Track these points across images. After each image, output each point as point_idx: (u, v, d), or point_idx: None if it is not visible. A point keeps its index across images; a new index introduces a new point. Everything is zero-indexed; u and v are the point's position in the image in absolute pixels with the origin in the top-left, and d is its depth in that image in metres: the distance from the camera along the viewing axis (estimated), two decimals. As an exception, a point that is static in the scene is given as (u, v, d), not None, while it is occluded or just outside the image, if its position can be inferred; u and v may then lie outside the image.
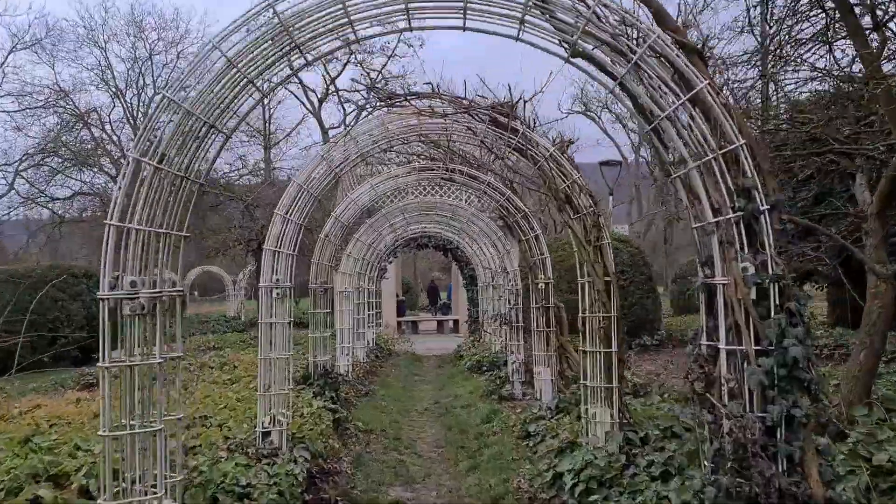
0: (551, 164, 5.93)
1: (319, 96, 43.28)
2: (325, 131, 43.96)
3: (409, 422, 10.33)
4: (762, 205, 3.34)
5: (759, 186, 3.35)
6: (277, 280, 5.85)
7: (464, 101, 6.00)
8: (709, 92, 3.43)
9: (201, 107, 3.97)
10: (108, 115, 42.06)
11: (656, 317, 17.22)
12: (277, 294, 5.82)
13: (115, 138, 41.80)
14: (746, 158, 3.35)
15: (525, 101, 6.02)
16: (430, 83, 5.98)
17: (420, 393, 13.17)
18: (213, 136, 4.14)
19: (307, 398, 7.92)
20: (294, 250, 6.03)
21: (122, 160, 41.60)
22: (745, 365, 3.30)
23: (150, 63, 42.83)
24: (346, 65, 41.81)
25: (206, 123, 4.03)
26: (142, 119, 43.70)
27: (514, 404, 10.63)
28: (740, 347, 3.34)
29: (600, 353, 5.94)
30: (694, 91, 3.45)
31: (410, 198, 12.01)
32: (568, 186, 5.94)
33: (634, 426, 5.98)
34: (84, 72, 44.51)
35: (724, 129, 3.39)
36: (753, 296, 3.30)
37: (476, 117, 6.00)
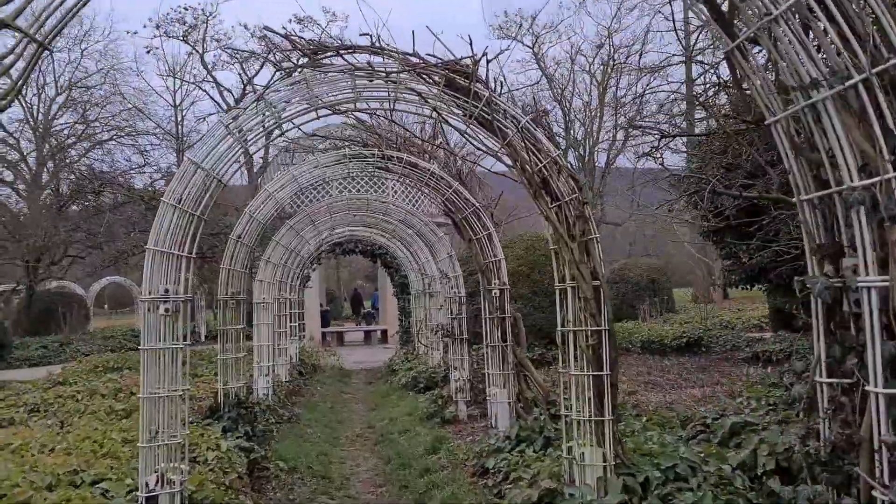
0: (525, 139, 4.66)
1: (236, 97, 41.12)
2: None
3: (341, 453, 8.88)
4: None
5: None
6: (166, 291, 4.36)
7: (412, 59, 4.67)
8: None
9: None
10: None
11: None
12: (167, 310, 4.33)
13: (11, 141, 38.58)
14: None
15: (489, 60, 4.74)
16: (368, 34, 4.64)
17: (351, 415, 11.70)
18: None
19: (215, 436, 6.39)
20: (190, 251, 4.56)
21: (22, 164, 38.49)
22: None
23: (51, 60, 40.02)
24: (263, 63, 39.89)
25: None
26: (43, 121, 40.77)
27: (461, 429, 9.33)
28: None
29: (589, 376, 4.70)
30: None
31: (337, 193, 10.56)
32: (545, 167, 4.68)
33: (630, 467, 4.77)
34: (-27, 67, 41.01)
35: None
36: None
37: (428, 79, 4.67)
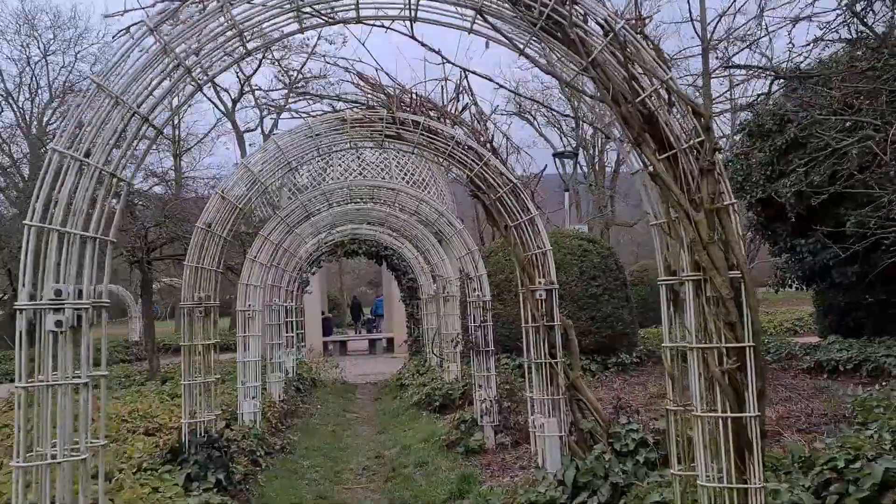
0: (615, 52, 3.02)
1: (234, 97, 39.59)
2: (240, 135, 40.30)
3: (343, 494, 7.21)
4: None
5: None
6: (58, 294, 2.70)
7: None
8: None
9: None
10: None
11: (633, 330, 14.59)
12: (58, 323, 2.68)
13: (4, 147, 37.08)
14: None
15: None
16: None
17: (356, 440, 10.03)
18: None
19: (172, 492, 4.72)
20: (106, 232, 2.91)
21: (12, 169, 36.95)
22: None
23: (44, 64, 38.67)
24: (260, 62, 38.32)
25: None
26: (37, 126, 39.26)
27: (491, 461, 7.66)
28: None
29: (725, 419, 3.03)
30: None
31: (337, 174, 8.92)
32: (653, 94, 3.03)
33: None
34: (-37, 74, 39.59)
35: None
36: None
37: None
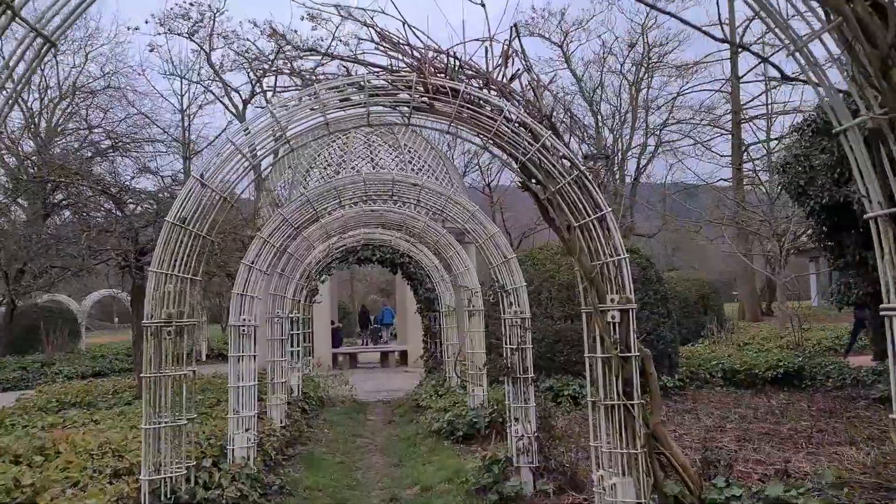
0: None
1: (244, 97, 38.44)
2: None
3: (352, 555, 5.88)
4: None
5: None
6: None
7: None
8: None
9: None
10: (4, 121, 36.40)
11: (675, 349, 13.19)
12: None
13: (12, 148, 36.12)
14: None
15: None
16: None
17: (367, 474, 8.69)
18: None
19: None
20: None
21: (19, 171, 35.97)
22: None
23: (54, 63, 37.83)
24: (272, 62, 37.19)
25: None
26: (45, 126, 38.28)
27: (532, 516, 6.33)
28: None
29: None
30: None
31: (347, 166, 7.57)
32: None
33: None
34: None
35: None
36: None
37: None
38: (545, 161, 4.51)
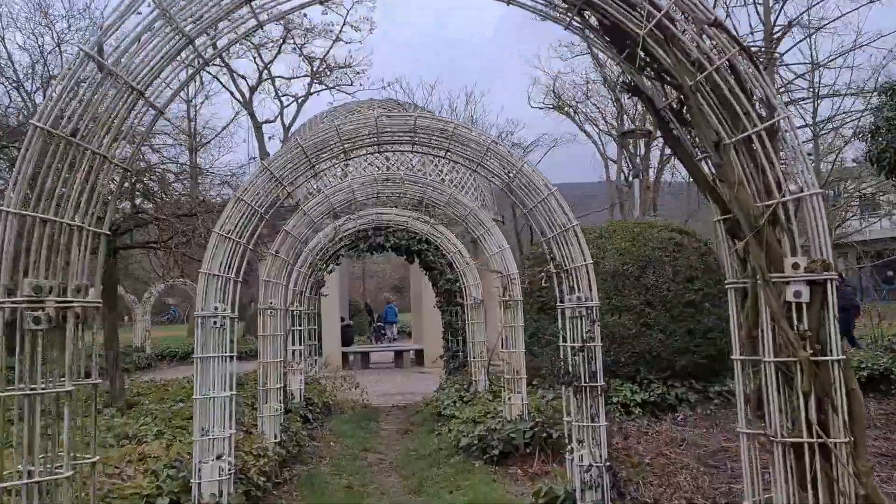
0: None
1: (251, 84, 36.78)
2: (258, 126, 37.44)
3: None
4: None
5: None
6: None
7: None
8: None
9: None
10: (4, 111, 35.00)
11: (739, 348, 11.29)
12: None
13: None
14: None
15: None
16: None
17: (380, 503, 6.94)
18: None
19: None
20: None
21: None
22: None
23: (58, 53, 36.33)
24: (280, 47, 35.55)
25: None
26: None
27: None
28: None
29: None
30: None
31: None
32: None
33: None
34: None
35: None
36: None
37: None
38: (675, 35, 2.69)
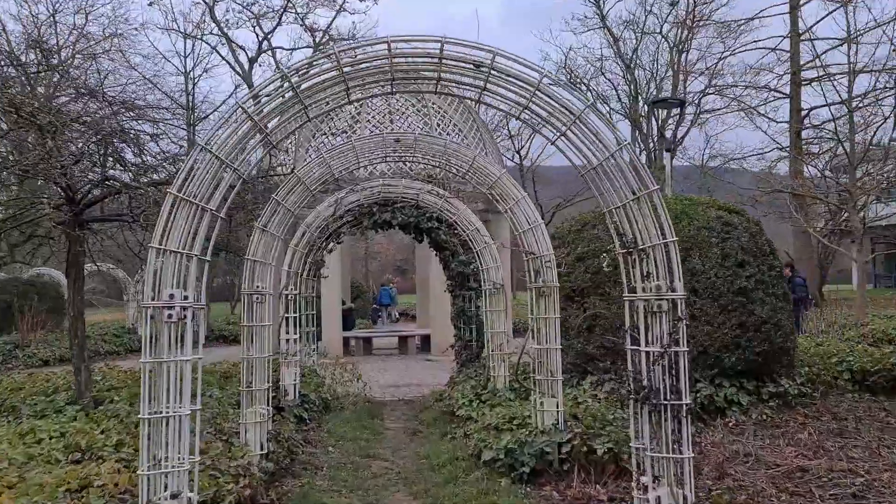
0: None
1: (251, 55, 35.18)
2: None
3: None
4: None
5: None
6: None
7: None
8: None
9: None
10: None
11: (794, 343, 9.96)
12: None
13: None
14: None
15: None
16: None
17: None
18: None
19: None
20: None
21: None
22: None
23: (52, 23, 34.74)
24: (281, 17, 33.97)
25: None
26: (44, 90, 35.39)
27: None
28: None
29: None
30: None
31: None
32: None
33: None
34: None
35: None
36: None
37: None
38: None
